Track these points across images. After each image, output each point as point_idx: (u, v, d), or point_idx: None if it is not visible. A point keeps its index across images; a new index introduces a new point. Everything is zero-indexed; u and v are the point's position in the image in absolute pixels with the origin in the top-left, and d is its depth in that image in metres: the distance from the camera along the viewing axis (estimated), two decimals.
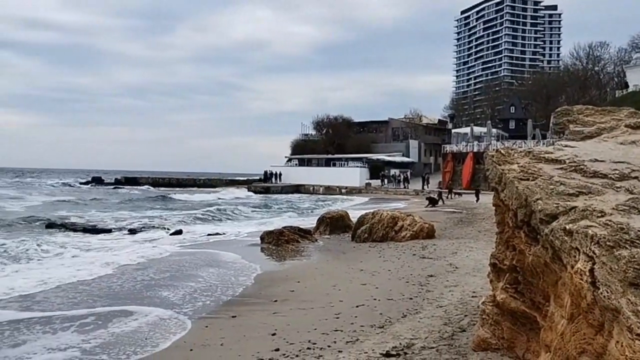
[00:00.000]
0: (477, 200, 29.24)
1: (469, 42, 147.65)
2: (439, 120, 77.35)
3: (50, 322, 7.15)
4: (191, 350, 5.92)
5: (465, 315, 6.27)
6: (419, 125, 69.64)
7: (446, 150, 52.42)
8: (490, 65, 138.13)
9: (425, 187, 46.81)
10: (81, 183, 70.47)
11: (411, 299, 7.73)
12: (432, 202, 28.62)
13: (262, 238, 15.48)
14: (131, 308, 7.90)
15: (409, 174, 54.58)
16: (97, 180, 71.74)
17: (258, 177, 65.72)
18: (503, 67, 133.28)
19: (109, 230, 18.20)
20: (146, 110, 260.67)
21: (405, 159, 62.36)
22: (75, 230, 18.38)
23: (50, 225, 19.39)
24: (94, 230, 18.43)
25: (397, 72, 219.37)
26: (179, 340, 6.35)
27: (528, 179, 4.04)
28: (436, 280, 9.05)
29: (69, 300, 8.49)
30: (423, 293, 8.05)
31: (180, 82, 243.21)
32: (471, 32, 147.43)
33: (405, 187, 49.86)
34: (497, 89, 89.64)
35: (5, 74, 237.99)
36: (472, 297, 7.34)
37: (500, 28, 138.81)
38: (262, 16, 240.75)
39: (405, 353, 5.04)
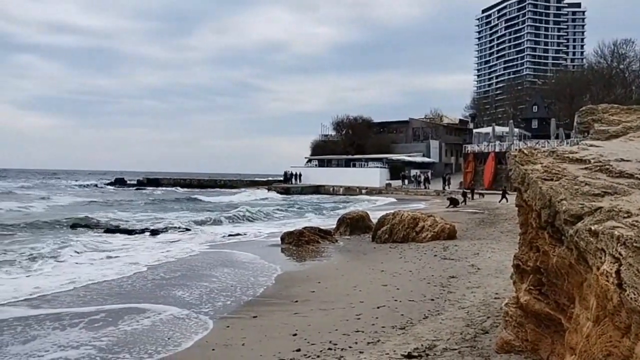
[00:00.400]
0: (502, 201, 28.84)
1: (491, 41, 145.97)
2: (460, 120, 76.61)
3: (80, 317, 7.27)
4: (213, 349, 5.97)
5: (488, 317, 6.20)
6: (440, 125, 69.08)
7: (467, 151, 51.89)
8: (512, 64, 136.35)
9: (446, 187, 46.43)
10: (105, 184, 71.63)
11: (432, 300, 7.68)
12: (453, 202, 28.35)
13: (282, 239, 15.54)
14: (151, 307, 8.01)
15: (429, 174, 54.17)
16: (120, 182, 72.79)
17: (278, 178, 65.94)
18: (525, 66, 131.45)
19: (132, 231, 18.42)
20: (166, 111, 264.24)
21: (426, 160, 61.91)
22: (99, 231, 18.66)
23: (75, 225, 19.71)
24: (117, 230, 18.67)
25: (417, 71, 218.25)
26: (201, 340, 6.41)
27: (552, 179, 3.98)
28: (458, 281, 8.97)
29: (92, 298, 8.64)
30: (444, 294, 7.99)
31: (200, 84, 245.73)
32: (492, 30, 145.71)
33: (425, 188, 49.51)
34: (519, 88, 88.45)
35: (30, 77, 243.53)
36: (495, 298, 7.26)
37: (523, 26, 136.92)
38: (281, 17, 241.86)
39: (427, 354, 5.01)
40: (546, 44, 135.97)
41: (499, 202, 28.78)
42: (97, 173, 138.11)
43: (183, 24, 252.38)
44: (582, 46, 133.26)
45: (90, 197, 41.88)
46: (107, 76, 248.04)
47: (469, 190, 34.84)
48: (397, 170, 56.52)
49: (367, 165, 59.24)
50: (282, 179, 63.84)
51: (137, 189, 60.77)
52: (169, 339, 6.47)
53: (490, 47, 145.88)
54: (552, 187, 3.88)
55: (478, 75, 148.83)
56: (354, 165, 61.01)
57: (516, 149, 4.77)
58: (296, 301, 8.22)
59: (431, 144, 64.07)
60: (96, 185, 67.93)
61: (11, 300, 8.46)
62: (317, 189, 54.38)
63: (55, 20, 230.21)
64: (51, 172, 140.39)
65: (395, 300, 7.76)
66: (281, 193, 52.24)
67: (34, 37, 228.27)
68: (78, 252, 13.53)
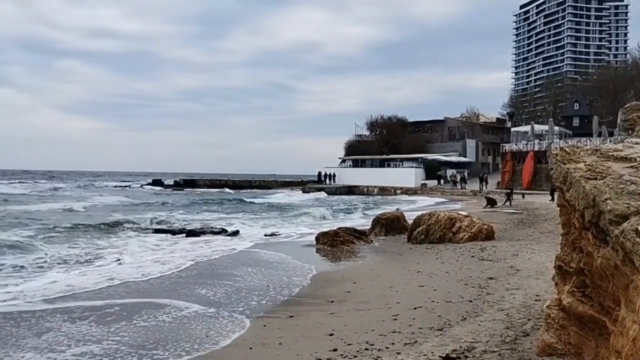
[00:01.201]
0: (551, 200, 28.07)
1: (529, 37, 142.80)
2: (497, 118, 75.17)
3: (119, 314, 7.48)
4: (250, 348, 6.04)
5: (529, 319, 6.07)
6: (476, 124, 67.94)
7: (505, 150, 50.85)
8: (551, 60, 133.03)
9: (484, 187, 45.64)
10: (142, 185, 73.45)
11: (471, 301, 7.57)
12: (491, 202, 27.83)
13: (317, 239, 15.58)
14: (190, 306, 8.15)
15: (466, 174, 53.36)
16: (158, 183, 74.50)
17: (312, 179, 66.14)
18: (565, 62, 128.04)
19: (170, 231, 18.79)
20: (203, 113, 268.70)
21: (462, 159, 61.00)
22: (137, 231, 19.11)
23: (114, 225, 20.20)
24: (155, 230, 19.06)
25: (453, 70, 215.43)
26: (239, 339, 6.49)
27: (596, 178, 3.87)
28: (496, 282, 8.81)
29: (132, 293, 8.86)
30: (483, 296, 7.86)
31: (236, 86, 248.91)
32: (531, 27, 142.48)
33: (462, 188, 48.80)
34: (559, 85, 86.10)
35: (73, 81, 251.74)
36: (536, 300, 7.10)
37: (562, 22, 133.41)
38: (315, 18, 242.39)
39: (466, 357, 4.94)
40: (587, 39, 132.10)
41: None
42: (137, 174, 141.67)
43: (219, 27, 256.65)
44: (625, 41, 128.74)
45: (129, 198, 43.04)
46: (146, 79, 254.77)
47: (509, 190, 33.82)
48: (432, 170, 55.91)
49: (402, 165, 58.82)
50: (315, 179, 63.99)
51: (173, 190, 62.13)
52: (206, 336, 6.57)
53: (529, 44, 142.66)
54: (596, 186, 3.77)
55: (516, 73, 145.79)
56: (389, 166, 60.68)
57: (558, 148, 4.65)
58: (332, 301, 8.23)
59: (467, 144, 63.07)
60: (134, 187, 69.67)
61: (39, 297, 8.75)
62: (351, 190, 54.30)
63: (98, 25, 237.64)
64: (93, 174, 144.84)
65: (432, 301, 7.68)
66: (315, 193, 52.42)
67: (78, 43, 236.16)
68: (113, 252, 13.92)
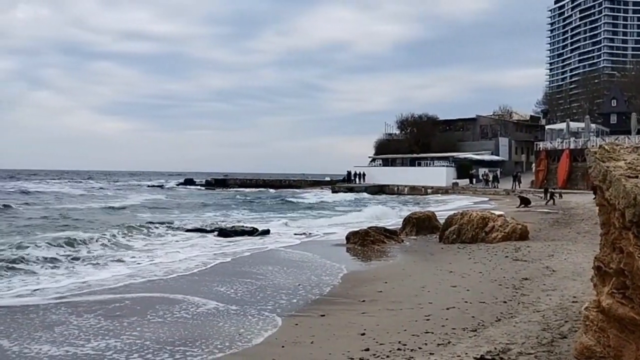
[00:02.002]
0: (548, 202, 27.40)
1: (564, 33, 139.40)
2: (531, 116, 73.66)
3: (143, 313, 7.64)
4: (282, 347, 6.07)
5: (566, 321, 5.93)
6: (509, 122, 66.72)
7: (539, 148, 49.77)
8: (587, 56, 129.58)
9: (517, 186, 44.80)
10: (175, 185, 74.77)
11: (505, 302, 7.44)
12: (525, 202, 27.28)
13: (347, 238, 15.56)
14: (219, 305, 8.25)
15: (498, 173, 52.46)
16: (189, 182, 75.71)
17: (341, 178, 66.07)
18: (602, 58, 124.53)
19: (201, 230, 19.01)
20: (233, 113, 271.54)
21: (495, 158, 59.99)
22: (169, 229, 19.35)
23: (148, 224, 20.55)
24: (187, 230, 19.24)
25: (486, 67, 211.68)
26: (271, 337, 6.54)
27: (637, 177, 3.76)
28: (532, 283, 8.64)
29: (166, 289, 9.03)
30: (518, 297, 7.72)
31: (266, 86, 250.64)
32: (566, 22, 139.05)
33: (494, 187, 47.98)
34: (595, 81, 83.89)
35: (108, 83, 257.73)
36: (573, 302, 6.93)
37: (599, 17, 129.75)
38: (344, 17, 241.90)
39: (501, 358, 4.87)
40: (624, 34, 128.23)
41: (546, 203, 27.40)
42: (170, 174, 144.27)
43: (249, 28, 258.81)
44: None
45: (160, 196, 43.91)
46: (178, 80, 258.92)
47: (552, 190, 32.75)
48: (464, 169, 55.15)
49: (433, 164, 58.20)
50: (344, 178, 63.85)
51: (206, 189, 63.02)
52: (239, 334, 6.64)
53: (564, 39, 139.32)
54: (637, 185, 3.66)
55: (550, 69, 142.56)
56: (419, 164, 60.13)
57: (596, 145, 4.53)
58: (363, 301, 8.22)
59: (500, 142, 62.01)
60: (162, 186, 71.01)
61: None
62: (381, 189, 54.04)
63: (131, 28, 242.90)
64: (126, 173, 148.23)
65: (466, 302, 7.59)
66: (345, 193, 52.38)
67: (111, 45, 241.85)
68: (142, 250, 14.22)
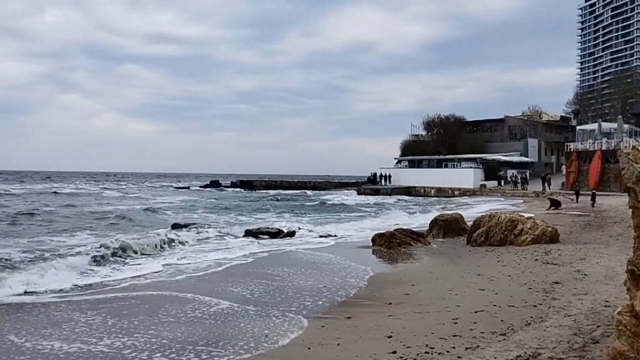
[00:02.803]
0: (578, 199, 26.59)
1: (595, 31, 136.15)
2: (561, 116, 72.15)
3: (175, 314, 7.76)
4: (309, 348, 6.09)
5: (598, 326, 5.81)
6: (539, 123, 65.50)
7: (570, 149, 48.71)
8: (620, 55, 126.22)
9: (546, 188, 43.97)
10: (201, 186, 75.66)
11: (535, 306, 7.31)
12: (555, 204, 26.74)
13: (373, 240, 15.51)
14: (241, 306, 8.32)
15: (527, 174, 51.56)
16: (215, 184, 76.53)
17: (365, 179, 65.84)
18: (635, 57, 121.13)
19: (228, 232, 19.15)
20: (258, 115, 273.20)
21: (524, 159, 58.99)
22: (191, 230, 19.50)
23: (175, 226, 20.82)
24: (213, 230, 19.42)
25: (514, 67, 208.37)
26: (297, 338, 6.56)
27: None
28: (562, 287, 8.47)
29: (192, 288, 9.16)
30: (548, 300, 7.57)
31: (290, 87, 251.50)
32: (597, 20, 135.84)
33: (523, 189, 47.15)
34: (628, 80, 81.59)
35: (134, 86, 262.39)
36: (605, 306, 6.77)
37: (632, 14, 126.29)
38: (370, 17, 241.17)
39: None
40: None
41: (592, 205, 26.67)
42: (190, 175, 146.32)
43: (274, 30, 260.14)
44: None
45: (188, 197, 44.47)
46: (202, 82, 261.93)
47: (594, 190, 31.70)
48: (492, 170, 54.35)
49: (460, 165, 57.52)
50: (369, 179, 63.60)
51: (232, 191, 63.62)
52: (265, 336, 6.68)
53: (595, 38, 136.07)
54: None
55: (581, 69, 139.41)
56: (446, 166, 59.53)
57: (629, 146, 4.43)
58: (390, 303, 8.18)
59: (529, 143, 60.95)
60: (188, 188, 71.98)
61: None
62: (407, 191, 53.70)
63: (157, 31, 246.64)
64: (153, 175, 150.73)
65: (494, 305, 7.48)
66: (370, 194, 52.32)
67: (138, 48, 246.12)
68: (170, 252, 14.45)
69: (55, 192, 51.83)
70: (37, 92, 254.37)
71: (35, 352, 6.10)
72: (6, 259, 11.65)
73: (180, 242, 16.06)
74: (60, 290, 9.39)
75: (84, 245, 14.04)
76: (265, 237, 18.07)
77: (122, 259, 13.00)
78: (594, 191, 29.61)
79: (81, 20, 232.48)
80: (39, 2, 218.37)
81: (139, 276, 10.91)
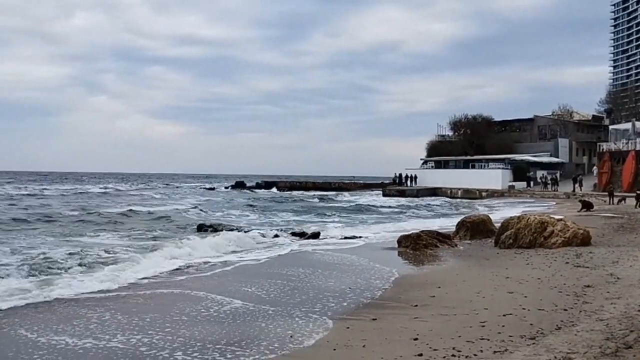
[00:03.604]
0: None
1: (629, 28, 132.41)
2: (593, 116, 70.43)
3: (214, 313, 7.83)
4: (334, 350, 6.07)
5: (631, 331, 5.63)
6: (570, 122, 64.10)
7: (603, 149, 47.55)
8: None
9: (578, 189, 43.00)
10: (226, 187, 76.35)
11: (565, 310, 7.14)
12: (586, 206, 26.12)
13: (399, 242, 15.40)
14: (264, 306, 8.34)
15: (558, 175, 50.50)
16: (240, 185, 77.08)
17: (391, 180, 65.44)
18: None
19: (247, 231, 19.14)
20: (282, 116, 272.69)
21: (554, 160, 57.80)
22: (208, 232, 19.59)
23: (200, 227, 21.03)
24: (237, 231, 19.42)
25: (543, 65, 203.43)
26: (322, 340, 6.54)
27: None
28: (594, 291, 8.25)
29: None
30: (579, 304, 7.38)
31: (314, 88, 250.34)
32: (631, 16, 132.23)
33: (554, 190, 46.20)
34: None
35: (160, 88, 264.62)
36: (639, 310, 6.57)
37: None
38: (395, 16, 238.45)
39: None
40: None
41: (637, 205, 25.82)
42: (215, 177, 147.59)
43: (298, 30, 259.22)
44: None
45: (213, 198, 44.96)
46: (227, 84, 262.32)
47: (638, 191, 30.64)
48: (520, 171, 53.41)
49: (488, 166, 56.68)
50: (394, 180, 63.21)
51: (256, 192, 64.07)
52: (291, 336, 6.68)
53: (629, 35, 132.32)
54: None
55: (614, 67, 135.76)
56: (473, 167, 58.76)
57: None
58: (416, 305, 8.10)
59: (559, 143, 59.70)
60: (213, 189, 72.66)
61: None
62: (433, 192, 53.23)
63: (182, 33, 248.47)
64: (179, 176, 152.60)
65: (523, 309, 7.33)
66: (395, 196, 52.02)
67: (164, 50, 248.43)
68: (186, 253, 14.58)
69: (104, 192, 52.95)
70: (66, 95, 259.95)
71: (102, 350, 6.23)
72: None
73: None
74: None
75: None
76: (290, 237, 18.11)
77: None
78: (638, 192, 28.54)
79: (109, 23, 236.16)
80: (68, 6, 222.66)
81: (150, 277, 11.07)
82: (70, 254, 12.98)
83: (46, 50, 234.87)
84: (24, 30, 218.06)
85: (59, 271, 11.05)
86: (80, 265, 11.75)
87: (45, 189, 58.90)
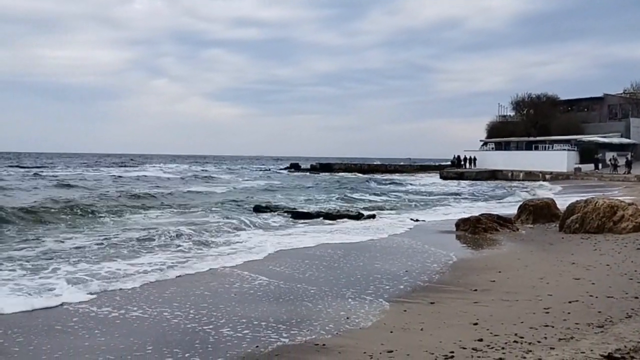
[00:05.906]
0: None
1: None
2: None
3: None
4: (391, 332, 6.04)
5: None
6: None
7: None
8: None
9: None
10: (281, 169, 77.24)
11: (636, 297, 6.78)
12: None
13: (457, 225, 15.11)
14: (320, 288, 8.37)
15: (629, 157, 47.73)
16: (295, 167, 77.71)
17: (449, 162, 64.03)
18: None
19: (306, 214, 19.23)
20: (339, 97, 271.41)
21: (625, 141, 54.59)
22: (269, 213, 19.82)
23: (257, 208, 21.34)
24: (295, 214, 19.59)
25: (616, 40, 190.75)
26: (379, 322, 6.53)
27: None
28: None
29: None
30: None
31: (372, 68, 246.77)
32: None
33: (625, 173, 43.74)
34: None
35: (219, 70, 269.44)
36: None
37: None
38: None
39: (632, 357, 4.44)
40: None
41: None
42: (270, 159, 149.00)
43: (356, 9, 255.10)
44: None
45: (269, 181, 45.59)
46: (284, 65, 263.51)
47: None
48: (588, 153, 50.81)
49: (552, 147, 54.28)
50: (449, 163, 61.74)
51: (310, 174, 64.32)
52: (347, 318, 6.70)
53: None
54: None
55: None
56: (537, 148, 56.43)
57: None
58: (475, 290, 7.92)
59: (632, 123, 56.26)
60: (269, 170, 73.61)
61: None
62: (493, 174, 51.68)
63: (239, 15, 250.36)
64: (235, 158, 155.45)
65: (590, 296, 7.02)
66: (454, 178, 51.00)
67: (222, 33, 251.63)
68: (243, 236, 14.85)
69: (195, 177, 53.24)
70: (127, 79, 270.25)
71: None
72: None
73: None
74: None
75: None
76: (344, 220, 18.11)
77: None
78: None
79: (168, 8, 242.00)
80: None
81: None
82: None
83: (108, 35, 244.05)
84: (86, 16, 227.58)
85: None
86: None
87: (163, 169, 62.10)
